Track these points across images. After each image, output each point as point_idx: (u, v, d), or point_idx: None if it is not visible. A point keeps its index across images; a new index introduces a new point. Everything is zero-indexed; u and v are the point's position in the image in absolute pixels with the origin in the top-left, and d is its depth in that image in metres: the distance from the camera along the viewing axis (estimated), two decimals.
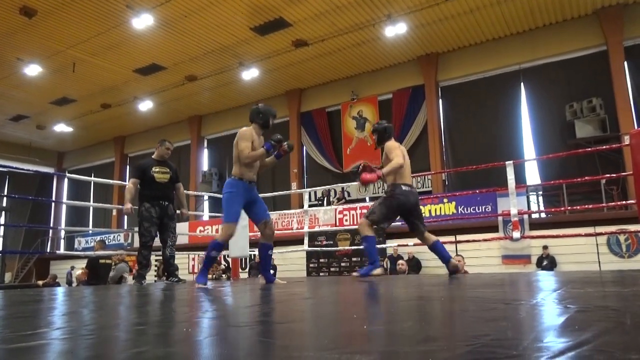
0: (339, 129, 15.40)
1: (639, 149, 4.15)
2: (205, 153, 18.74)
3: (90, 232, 17.91)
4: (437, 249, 4.32)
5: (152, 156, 5.58)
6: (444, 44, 13.22)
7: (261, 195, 9.36)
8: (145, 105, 16.26)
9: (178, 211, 5.59)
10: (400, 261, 9.28)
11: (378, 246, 10.24)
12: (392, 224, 4.53)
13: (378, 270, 4.14)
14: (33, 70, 13.32)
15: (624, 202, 8.48)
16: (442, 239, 4.58)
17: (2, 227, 21.44)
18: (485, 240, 7.87)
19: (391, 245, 8.83)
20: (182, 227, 15.12)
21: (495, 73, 13.04)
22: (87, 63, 13.36)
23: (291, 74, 14.84)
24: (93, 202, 20.22)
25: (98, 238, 13.59)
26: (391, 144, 4.43)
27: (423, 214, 4.43)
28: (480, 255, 10.29)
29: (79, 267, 12.97)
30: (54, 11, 10.81)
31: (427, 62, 13.71)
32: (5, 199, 21.60)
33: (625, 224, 8.44)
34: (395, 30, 11.72)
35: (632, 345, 0.79)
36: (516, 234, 5.17)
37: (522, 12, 11.56)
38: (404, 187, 4.26)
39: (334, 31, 12.16)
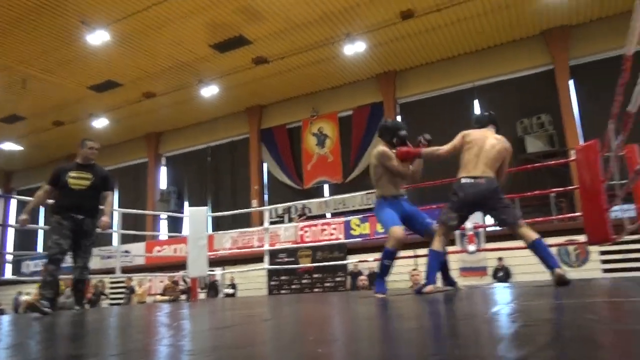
0: (300, 145, 15.46)
1: (584, 164, 4.37)
2: (164, 171, 18.35)
3: (39, 255, 17.11)
4: (536, 249, 3.49)
5: (76, 159, 4.68)
6: (402, 62, 13.57)
7: (220, 213, 9.23)
8: (101, 123, 15.83)
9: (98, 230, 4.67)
10: (361, 277, 9.32)
11: (340, 262, 10.18)
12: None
13: (429, 287, 3.60)
14: None
15: (571, 214, 8.83)
16: (401, 253, 4.61)
17: None
18: None
19: (351, 261, 8.86)
20: (138, 248, 14.70)
21: (451, 90, 13.48)
22: (38, 79, 12.92)
23: (251, 91, 14.83)
24: (43, 224, 19.35)
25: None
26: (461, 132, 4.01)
27: (510, 206, 3.72)
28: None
29: (28, 292, 12.35)
30: (4, 26, 10.43)
31: (386, 80, 14.02)
32: None
33: (573, 235, 8.81)
34: (354, 48, 11.96)
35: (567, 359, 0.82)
36: (472, 247, 5.30)
37: (474, 32, 12.05)
38: (463, 180, 3.71)
39: (294, 49, 12.28)
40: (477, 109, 13.20)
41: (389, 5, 10.76)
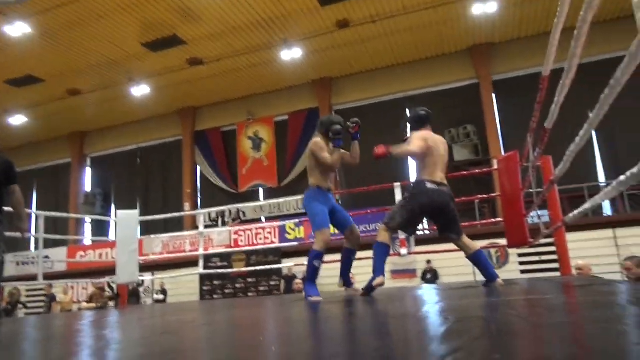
0: (235, 149, 15.29)
1: (505, 173, 4.70)
2: (89, 173, 17.41)
3: None
4: (478, 260, 3.58)
5: None
6: (338, 70, 13.85)
7: (152, 217, 8.94)
8: (18, 120, 14.77)
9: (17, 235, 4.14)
10: (296, 280, 9.37)
11: (274, 266, 10.16)
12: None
13: (379, 279, 3.51)
14: None
15: (493, 219, 9.43)
16: (336, 256, 4.67)
17: None
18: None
19: (287, 265, 8.89)
20: (59, 253, 13.81)
21: (384, 99, 13.93)
22: None
23: (185, 92, 14.48)
24: None
25: None
26: (416, 133, 3.74)
27: (458, 217, 3.66)
28: (371, 272, 10.77)
29: None
30: None
31: (322, 86, 14.24)
32: None
33: (495, 239, 9.41)
34: (292, 54, 12.05)
35: (496, 348, 0.92)
36: (404, 251, 5.52)
37: (407, 45, 12.55)
38: (429, 186, 3.54)
39: (230, 52, 12.16)
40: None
41: (326, 14, 10.96)
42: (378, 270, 3.56)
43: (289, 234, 11.71)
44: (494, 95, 12.81)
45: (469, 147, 12.36)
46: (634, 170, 1.38)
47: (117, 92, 13.78)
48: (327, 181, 3.93)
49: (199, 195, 15.64)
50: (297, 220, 10.49)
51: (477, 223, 9.65)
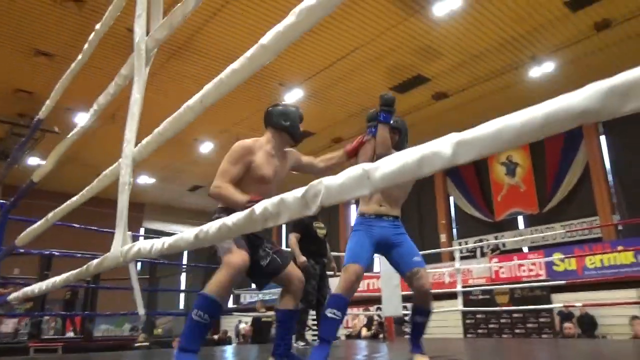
0: (487, 176, 14.82)
1: None
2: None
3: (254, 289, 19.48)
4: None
5: None
6: (598, 77, 11.96)
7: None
8: None
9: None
10: (566, 324, 8.39)
11: (545, 306, 9.28)
12: None
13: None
14: (206, 147, 15.55)
15: None
16: (620, 293, 3.98)
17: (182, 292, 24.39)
18: None
19: (555, 305, 8.03)
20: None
21: None
22: (247, 137, 15.02)
23: (431, 126, 14.87)
24: None
25: (260, 296, 14.69)
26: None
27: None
28: None
29: (244, 321, 14.18)
30: (225, 97, 12.58)
31: None
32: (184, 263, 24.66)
33: None
34: (542, 70, 11.24)
35: None
36: None
37: None
38: None
39: (473, 80, 12.07)
40: None
41: (579, 20, 9.87)
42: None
43: (558, 265, 10.57)
44: None
45: None
46: None
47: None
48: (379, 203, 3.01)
49: (454, 225, 15.63)
50: (564, 256, 9.45)
51: None
